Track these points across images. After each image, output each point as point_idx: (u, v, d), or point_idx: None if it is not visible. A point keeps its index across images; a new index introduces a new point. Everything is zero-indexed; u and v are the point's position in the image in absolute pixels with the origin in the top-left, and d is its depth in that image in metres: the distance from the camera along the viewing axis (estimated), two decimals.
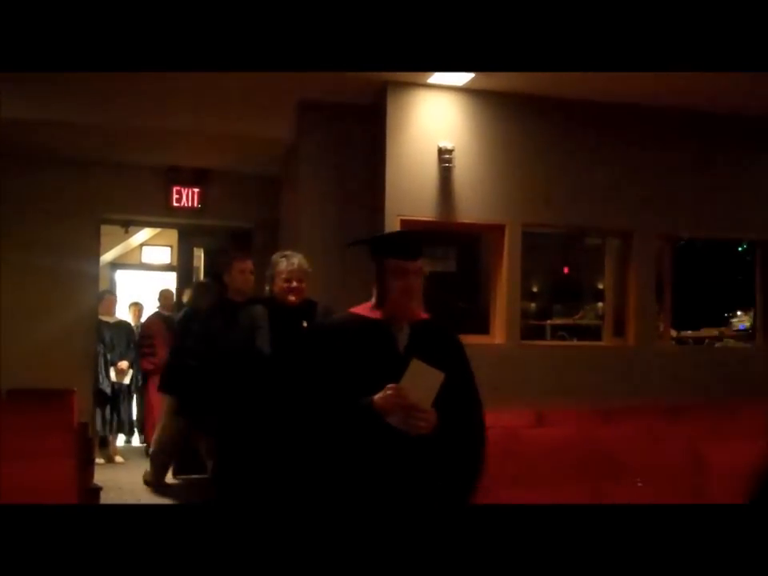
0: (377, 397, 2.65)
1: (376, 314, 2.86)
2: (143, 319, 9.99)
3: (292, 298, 4.39)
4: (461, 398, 2.83)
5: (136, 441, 10.11)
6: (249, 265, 5.08)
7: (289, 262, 4.40)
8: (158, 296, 10.11)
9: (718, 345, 9.32)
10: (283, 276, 4.37)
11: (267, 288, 4.47)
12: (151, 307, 10.28)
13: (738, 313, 10.44)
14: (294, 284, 4.39)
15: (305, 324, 4.31)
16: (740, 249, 9.69)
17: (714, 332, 9.82)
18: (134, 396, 9.45)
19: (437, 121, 6.45)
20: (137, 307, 10.38)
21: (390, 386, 2.63)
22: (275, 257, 4.47)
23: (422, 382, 2.59)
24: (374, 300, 2.89)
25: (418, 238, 2.90)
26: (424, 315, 2.95)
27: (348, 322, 2.91)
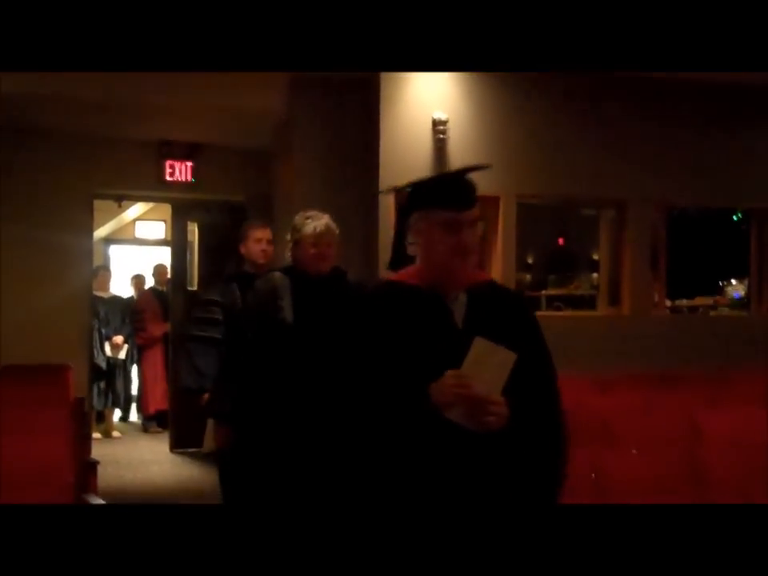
0: (433, 387, 2.10)
1: (422, 282, 2.29)
2: (132, 289, 10.02)
3: (322, 266, 3.82)
4: (536, 380, 2.28)
5: (132, 416, 10.15)
6: (267, 233, 4.59)
7: (316, 224, 3.81)
8: (152, 271, 10.11)
9: (712, 313, 9.34)
10: (310, 241, 3.78)
11: (288, 255, 3.92)
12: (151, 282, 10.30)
13: (733, 281, 10.44)
14: (323, 250, 3.82)
15: (333, 297, 3.77)
16: (735, 218, 9.68)
17: (709, 300, 9.81)
18: (131, 371, 9.50)
19: (431, 92, 6.41)
20: (138, 280, 10.36)
21: (449, 372, 2.09)
22: (298, 219, 3.89)
23: (488, 366, 2.10)
24: (418, 263, 2.32)
25: (470, 181, 2.29)
26: (484, 276, 2.41)
27: (388, 292, 2.34)
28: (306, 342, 3.61)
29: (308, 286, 3.81)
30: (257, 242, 4.53)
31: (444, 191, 2.25)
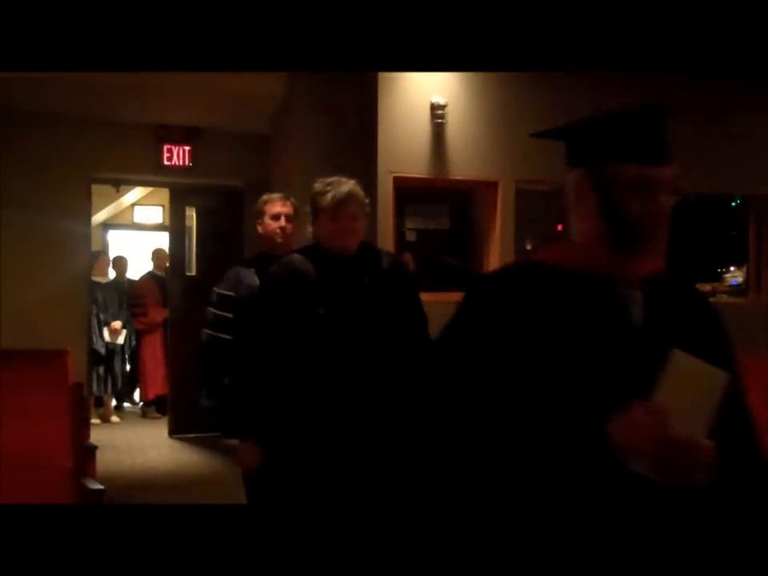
0: (615, 423, 1.42)
1: (583, 265, 1.61)
2: (128, 274, 9.98)
3: (346, 243, 3.15)
4: (738, 413, 1.59)
5: (127, 403, 10.16)
6: (286, 207, 3.92)
7: (335, 192, 3.14)
8: (151, 256, 10.09)
9: (711, 300, 9.35)
10: (329, 213, 3.13)
11: (309, 231, 3.27)
12: (136, 263, 10.28)
13: (732, 268, 10.46)
14: (346, 223, 3.14)
15: (366, 280, 3.17)
16: (733, 204, 9.67)
17: (707, 287, 9.84)
18: (128, 356, 9.49)
19: (429, 76, 6.38)
20: (120, 262, 10.30)
21: (639, 402, 1.42)
22: (317, 186, 3.22)
23: (690, 394, 1.43)
24: (574, 239, 1.68)
25: (665, 124, 1.62)
26: (657, 264, 1.68)
27: (533, 277, 1.61)
28: (347, 338, 3.06)
29: (334, 269, 3.15)
30: (274, 219, 3.91)
31: (634, 136, 1.60)
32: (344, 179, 3.24)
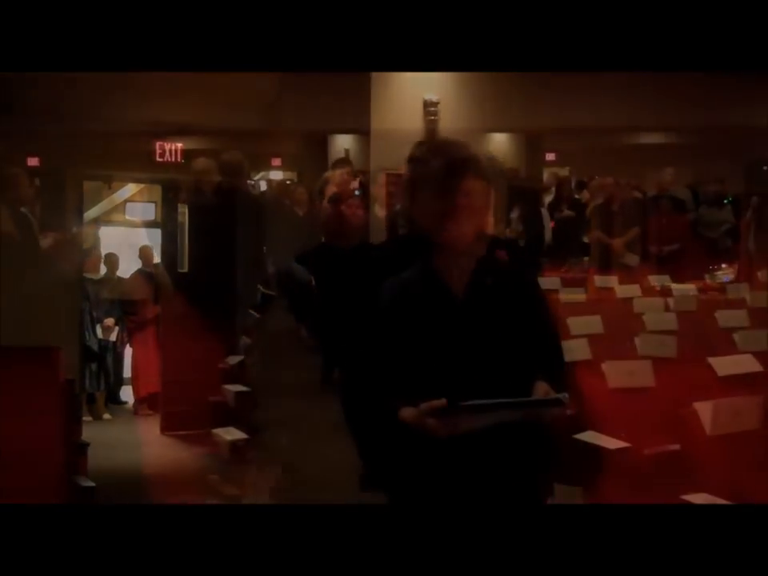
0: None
1: None
2: (119, 271, 9.94)
3: (462, 228, 2.14)
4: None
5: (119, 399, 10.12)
6: (346, 185, 3.11)
7: (446, 157, 2.15)
8: (138, 253, 10.08)
9: (702, 297, 9.38)
10: (435, 187, 2.14)
11: (404, 211, 2.50)
12: (127, 259, 10.24)
13: (723, 265, 10.50)
14: (461, 201, 2.11)
15: (488, 280, 2.18)
16: (725, 201, 9.71)
17: (699, 284, 9.87)
18: (121, 353, 9.48)
19: (422, 73, 6.39)
20: (111, 258, 10.22)
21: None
22: (416, 150, 2.25)
23: None
24: None
25: None
26: None
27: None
28: (462, 365, 2.11)
29: (440, 266, 2.19)
30: (333, 202, 3.12)
31: None
32: (455, 140, 2.30)
